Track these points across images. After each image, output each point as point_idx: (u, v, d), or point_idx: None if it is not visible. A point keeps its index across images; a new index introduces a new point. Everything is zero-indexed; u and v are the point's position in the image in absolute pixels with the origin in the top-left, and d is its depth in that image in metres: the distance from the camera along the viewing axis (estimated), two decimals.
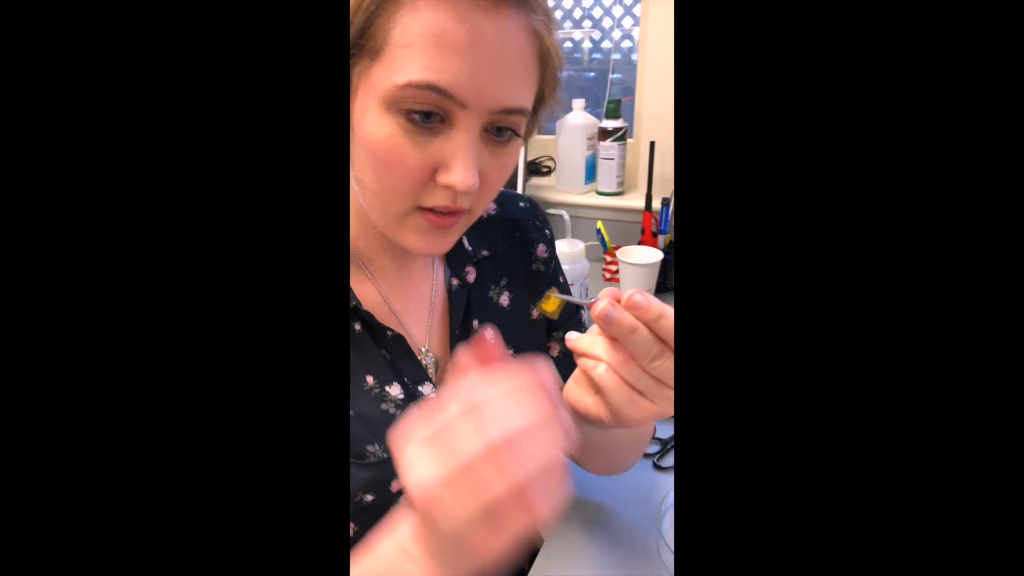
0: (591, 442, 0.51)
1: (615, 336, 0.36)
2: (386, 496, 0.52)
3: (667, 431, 0.80)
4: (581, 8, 1.48)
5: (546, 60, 0.43)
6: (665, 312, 0.35)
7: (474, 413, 0.29)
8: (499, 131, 0.42)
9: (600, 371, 0.37)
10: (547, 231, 0.65)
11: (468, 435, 0.29)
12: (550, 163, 1.46)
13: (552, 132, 1.38)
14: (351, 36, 0.41)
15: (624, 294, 0.35)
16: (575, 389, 0.42)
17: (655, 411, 0.37)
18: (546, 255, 0.63)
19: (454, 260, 0.58)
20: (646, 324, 0.35)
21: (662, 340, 0.35)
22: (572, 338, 0.39)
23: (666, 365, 0.36)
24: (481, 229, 0.61)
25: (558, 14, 1.50)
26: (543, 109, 0.49)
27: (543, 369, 0.31)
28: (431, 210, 0.43)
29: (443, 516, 0.29)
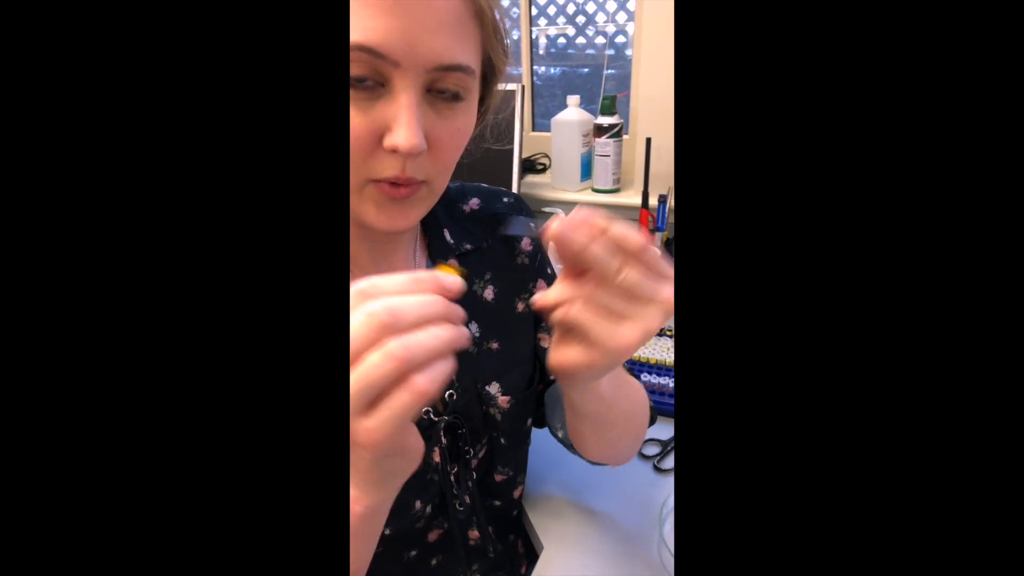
0: (585, 414, 0.50)
1: (573, 258, 0.35)
2: None
3: (667, 432, 0.79)
4: (575, 3, 1.47)
5: (482, 16, 0.42)
6: (610, 224, 0.35)
7: (359, 294, 0.29)
8: (442, 92, 0.41)
9: (575, 310, 0.36)
10: (532, 224, 0.63)
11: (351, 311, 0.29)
12: (545, 160, 1.45)
13: (547, 129, 1.37)
14: None
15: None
16: (557, 352, 0.40)
17: (641, 328, 0.36)
18: (530, 248, 0.63)
19: (436, 253, 0.57)
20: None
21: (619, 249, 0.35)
22: (538, 297, 0.38)
23: (632, 276, 0.35)
24: (463, 223, 0.60)
25: (551, 10, 1.49)
26: (497, 77, 0.48)
27: (448, 278, 0.31)
28: (384, 182, 0.42)
29: None
